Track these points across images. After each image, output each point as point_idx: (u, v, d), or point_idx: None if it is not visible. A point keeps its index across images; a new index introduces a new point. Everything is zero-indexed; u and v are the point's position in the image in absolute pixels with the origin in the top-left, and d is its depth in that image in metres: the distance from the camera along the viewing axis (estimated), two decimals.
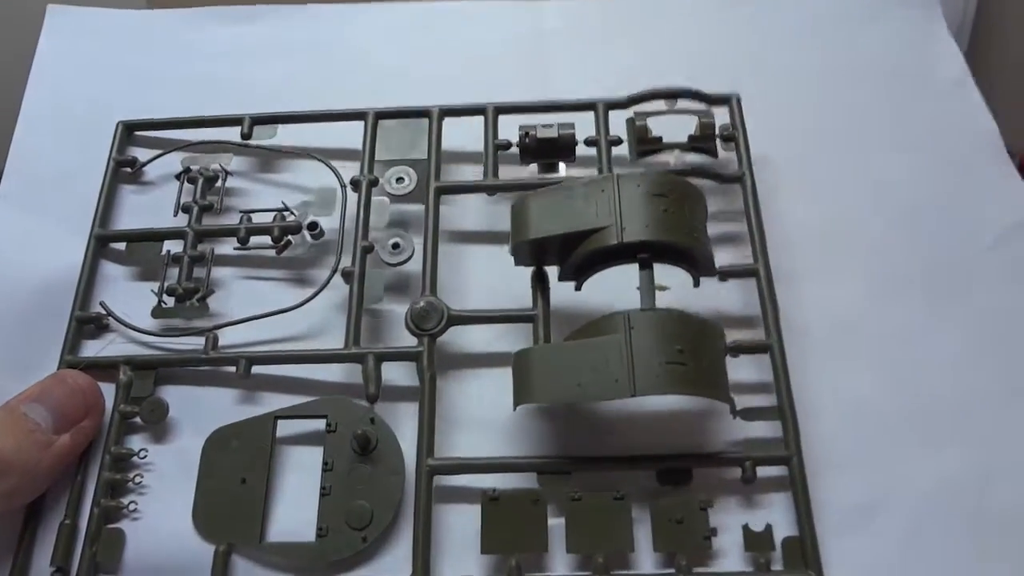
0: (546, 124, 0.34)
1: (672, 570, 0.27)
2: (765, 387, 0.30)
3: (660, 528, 0.28)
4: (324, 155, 0.35)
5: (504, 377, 0.29)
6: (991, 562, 0.28)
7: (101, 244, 0.34)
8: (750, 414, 0.29)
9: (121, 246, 0.35)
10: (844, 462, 0.29)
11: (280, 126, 0.36)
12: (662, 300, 0.29)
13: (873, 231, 0.34)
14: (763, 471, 0.29)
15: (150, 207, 0.36)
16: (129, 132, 0.37)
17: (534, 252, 0.31)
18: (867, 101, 0.37)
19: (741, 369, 0.30)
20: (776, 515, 0.28)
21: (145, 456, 0.30)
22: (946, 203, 0.35)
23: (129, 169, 0.36)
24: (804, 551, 0.27)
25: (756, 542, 0.28)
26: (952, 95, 0.37)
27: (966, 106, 0.37)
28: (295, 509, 0.29)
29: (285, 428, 0.30)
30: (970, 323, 0.32)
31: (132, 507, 0.29)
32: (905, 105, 0.37)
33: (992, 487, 0.29)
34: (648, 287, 0.29)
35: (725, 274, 0.32)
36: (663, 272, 0.30)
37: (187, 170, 0.35)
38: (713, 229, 0.31)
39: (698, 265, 0.30)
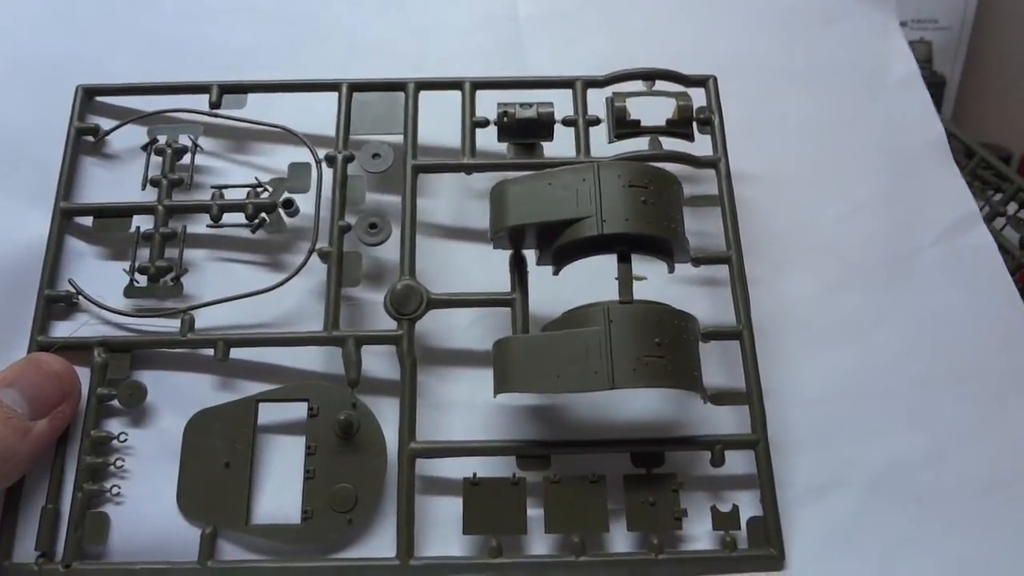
0: (525, 103, 0.34)
1: (645, 549, 0.29)
2: (733, 373, 0.32)
3: (634, 509, 0.29)
4: (296, 128, 0.34)
5: (484, 365, 0.30)
6: (935, 533, 0.30)
7: (66, 218, 0.33)
8: (720, 399, 0.31)
9: (86, 220, 0.33)
10: (804, 445, 0.31)
11: (248, 96, 0.35)
12: (639, 289, 0.30)
13: (826, 225, 0.35)
14: (731, 454, 0.30)
15: (114, 179, 0.34)
16: (89, 97, 0.35)
17: (513, 237, 0.31)
18: (823, 97, 0.38)
19: (710, 355, 0.31)
20: (742, 496, 0.30)
21: (125, 440, 0.30)
22: (894, 200, 0.36)
23: (91, 138, 0.35)
24: (767, 530, 0.29)
25: (723, 522, 0.29)
26: (903, 95, 0.38)
27: (915, 105, 0.38)
28: (279, 492, 0.30)
29: (267, 413, 0.31)
30: (916, 315, 0.34)
31: (115, 491, 0.29)
32: (858, 103, 0.38)
33: (938, 468, 0.31)
34: (626, 279, 0.29)
35: (698, 260, 0.32)
36: (639, 259, 0.30)
37: (154, 140, 0.34)
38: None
39: (674, 254, 0.31)
